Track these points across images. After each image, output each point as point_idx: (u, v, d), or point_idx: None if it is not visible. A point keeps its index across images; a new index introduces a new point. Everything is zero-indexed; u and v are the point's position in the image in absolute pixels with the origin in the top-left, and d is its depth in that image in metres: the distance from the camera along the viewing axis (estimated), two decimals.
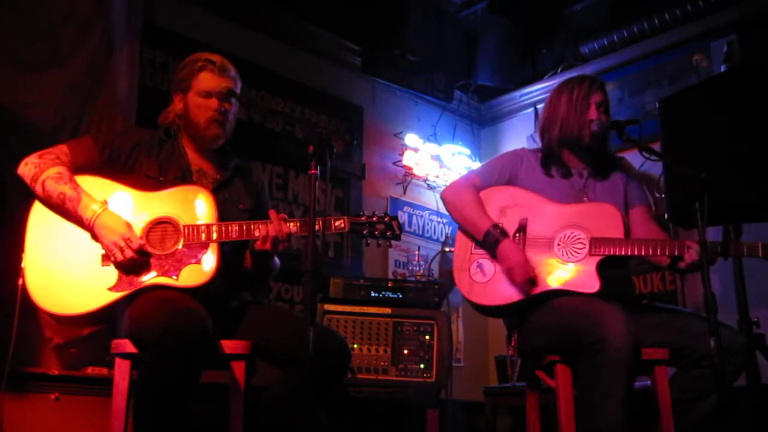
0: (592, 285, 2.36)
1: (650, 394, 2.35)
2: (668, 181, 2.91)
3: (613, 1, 4.91)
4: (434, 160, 5.09)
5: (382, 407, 3.37)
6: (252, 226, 2.31)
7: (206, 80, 2.43)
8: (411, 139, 4.97)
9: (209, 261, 2.25)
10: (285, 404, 2.24)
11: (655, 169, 3.78)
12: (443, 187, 4.99)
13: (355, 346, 3.28)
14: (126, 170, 2.37)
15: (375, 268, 4.66)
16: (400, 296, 3.42)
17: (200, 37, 3.93)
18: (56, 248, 2.25)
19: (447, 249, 4.68)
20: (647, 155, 2.37)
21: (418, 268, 4.31)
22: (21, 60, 3.17)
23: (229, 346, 2.24)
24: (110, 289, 2.20)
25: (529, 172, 2.65)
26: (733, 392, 2.16)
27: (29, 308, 2.25)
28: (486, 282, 2.51)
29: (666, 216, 2.98)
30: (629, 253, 2.39)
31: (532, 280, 2.42)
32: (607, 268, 2.40)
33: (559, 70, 5.16)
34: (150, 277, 2.22)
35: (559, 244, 2.48)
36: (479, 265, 2.54)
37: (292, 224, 2.32)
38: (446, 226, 5.19)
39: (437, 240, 5.12)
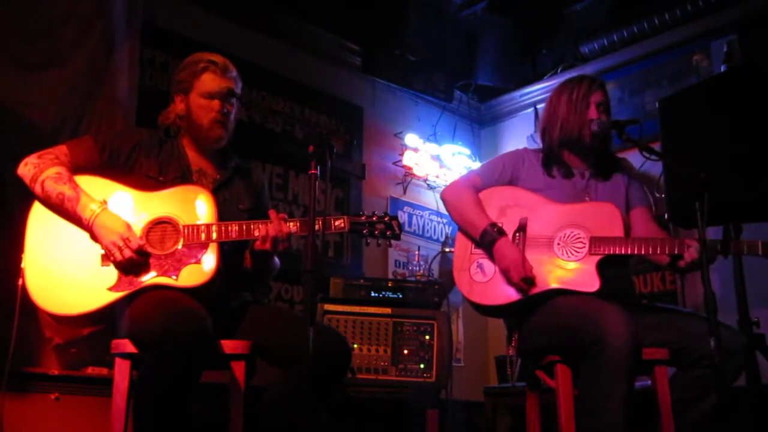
0: (592, 284, 2.36)
1: (650, 394, 2.36)
2: (668, 181, 2.91)
3: (613, 1, 4.91)
4: (434, 160, 5.09)
5: (382, 407, 3.37)
6: (252, 226, 2.31)
7: (208, 81, 2.43)
8: (411, 139, 4.97)
9: (209, 261, 2.25)
10: (285, 404, 2.24)
11: (655, 169, 3.78)
12: (443, 187, 5.01)
13: (355, 346, 3.28)
14: (126, 170, 2.37)
15: (375, 268, 4.66)
16: (400, 296, 3.42)
17: (200, 37, 3.93)
18: (56, 248, 2.25)
19: (447, 249, 4.68)
20: (647, 155, 2.37)
21: (418, 268, 4.31)
22: (21, 60, 3.17)
23: (229, 346, 2.24)
24: (110, 289, 2.20)
25: (530, 173, 2.65)
26: (733, 392, 2.16)
27: (29, 308, 2.25)
28: (486, 282, 2.51)
29: (666, 216, 2.98)
30: (629, 252, 2.39)
31: (529, 279, 2.41)
32: (607, 267, 2.40)
33: (559, 70, 5.16)
34: (150, 277, 2.22)
35: (559, 244, 2.48)
36: (479, 265, 2.54)
37: (291, 224, 2.32)
38: (446, 226, 5.19)
39: (437, 240, 5.12)
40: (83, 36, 3.40)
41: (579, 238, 2.45)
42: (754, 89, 2.73)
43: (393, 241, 2.47)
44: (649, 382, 2.38)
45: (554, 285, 2.42)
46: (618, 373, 2.11)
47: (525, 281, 2.41)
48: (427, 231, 5.11)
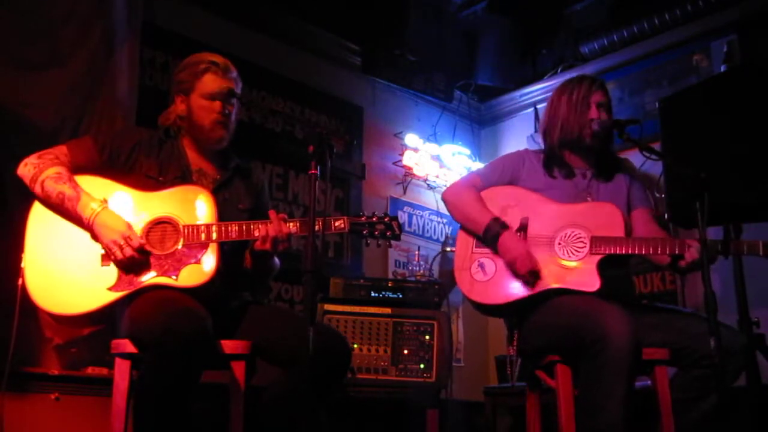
0: (593, 283, 2.36)
1: (650, 394, 2.36)
2: (668, 181, 2.92)
3: (613, 1, 4.91)
4: (434, 160, 5.09)
5: (382, 407, 3.37)
6: (252, 226, 2.31)
7: (210, 82, 2.42)
8: (411, 139, 4.97)
9: (209, 261, 2.25)
10: (285, 404, 2.24)
11: (655, 169, 3.78)
12: (443, 187, 5.01)
13: (355, 346, 3.28)
14: (126, 170, 2.37)
15: (375, 268, 4.66)
16: (400, 296, 3.42)
17: (200, 37, 3.93)
18: (56, 248, 2.25)
19: (448, 248, 4.68)
20: (647, 155, 2.37)
21: (418, 268, 4.31)
22: (21, 60, 3.17)
23: (229, 346, 2.24)
24: (110, 289, 2.20)
25: (531, 173, 2.65)
26: (733, 392, 2.16)
27: (29, 308, 2.25)
28: (487, 281, 2.51)
29: (666, 216, 2.98)
30: (630, 251, 2.39)
31: (535, 273, 2.42)
32: (607, 267, 2.40)
33: (559, 70, 5.16)
34: (150, 277, 2.22)
35: (559, 243, 2.48)
36: (480, 265, 2.54)
37: (291, 224, 2.32)
38: (446, 226, 5.19)
39: (437, 240, 5.12)
40: (83, 36, 3.40)
41: (580, 237, 2.46)
42: (754, 89, 2.73)
43: (393, 242, 2.46)
44: (649, 382, 2.38)
45: (555, 284, 2.42)
46: (618, 372, 2.11)
47: (531, 274, 2.41)
48: (427, 231, 5.11)
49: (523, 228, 2.52)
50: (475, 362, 5.07)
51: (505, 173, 2.67)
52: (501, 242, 2.48)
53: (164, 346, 1.98)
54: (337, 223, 2.36)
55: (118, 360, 2.20)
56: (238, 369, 2.24)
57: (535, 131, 5.20)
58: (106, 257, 2.23)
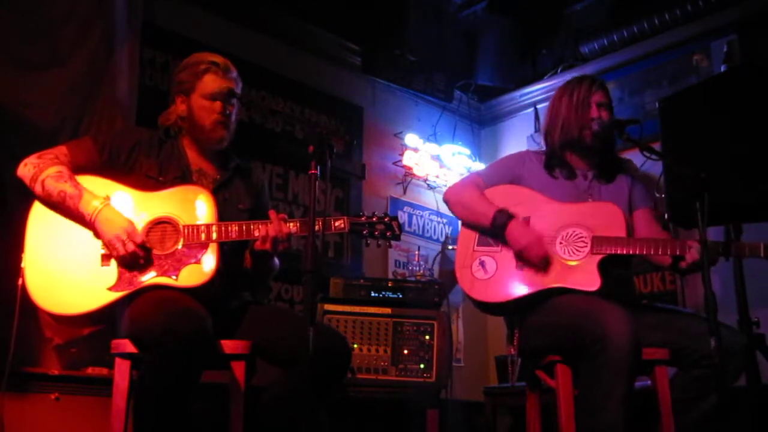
0: (593, 283, 2.36)
1: (650, 394, 2.36)
2: (668, 181, 2.91)
3: (613, 1, 4.91)
4: (434, 160, 5.09)
5: (382, 407, 3.37)
6: (252, 226, 2.31)
7: (210, 83, 2.43)
8: (411, 139, 4.97)
9: (209, 261, 2.25)
10: (285, 404, 2.24)
11: (655, 169, 3.78)
12: (443, 187, 5.02)
13: (355, 346, 3.28)
14: (126, 170, 2.37)
15: (375, 268, 4.66)
16: (400, 296, 3.42)
17: (200, 37, 3.93)
18: (56, 248, 2.25)
19: (450, 247, 4.67)
20: (647, 155, 2.37)
21: (418, 268, 4.31)
22: (21, 60, 3.17)
23: (229, 346, 2.24)
24: (110, 289, 2.20)
25: (532, 173, 2.65)
26: (733, 392, 2.16)
27: (29, 308, 2.25)
28: (487, 279, 2.52)
29: (666, 216, 2.98)
30: (631, 252, 2.40)
31: (547, 259, 2.42)
32: (609, 267, 2.40)
33: (559, 70, 5.16)
34: (150, 277, 2.22)
35: (561, 243, 2.48)
36: (481, 263, 2.55)
37: (291, 224, 2.32)
38: (446, 226, 5.19)
39: (437, 240, 5.12)
40: (83, 36, 3.40)
41: (581, 237, 2.46)
42: (754, 89, 2.73)
43: (393, 242, 2.46)
44: (649, 382, 2.38)
45: (555, 283, 2.42)
46: (618, 372, 2.11)
47: (543, 261, 2.41)
48: (427, 231, 5.11)
49: None
50: (475, 362, 5.07)
51: (507, 173, 2.68)
52: (509, 231, 2.48)
53: (164, 346, 1.98)
54: (337, 223, 2.36)
55: (118, 360, 2.20)
56: (238, 369, 2.24)
57: (535, 131, 5.21)
58: (107, 257, 2.23)
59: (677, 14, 4.50)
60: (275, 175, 4.35)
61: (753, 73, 2.89)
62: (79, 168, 2.32)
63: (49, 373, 2.88)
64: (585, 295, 2.35)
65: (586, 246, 2.43)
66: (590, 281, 2.37)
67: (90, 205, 2.22)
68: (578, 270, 2.41)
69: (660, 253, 2.38)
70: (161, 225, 2.29)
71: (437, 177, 5.10)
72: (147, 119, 2.90)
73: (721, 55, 4.28)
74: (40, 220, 2.28)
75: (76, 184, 2.25)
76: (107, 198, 2.26)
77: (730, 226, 2.63)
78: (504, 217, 2.49)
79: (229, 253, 2.36)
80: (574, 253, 2.45)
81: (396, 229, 2.42)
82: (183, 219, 2.29)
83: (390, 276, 4.70)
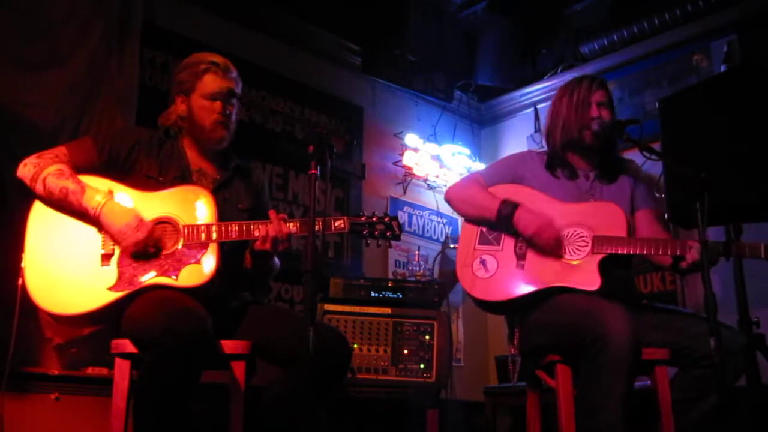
0: (593, 282, 2.36)
1: (650, 394, 2.36)
2: (668, 181, 2.91)
3: (613, 1, 4.91)
4: (434, 160, 5.09)
5: (382, 407, 3.37)
6: (252, 226, 2.31)
7: (210, 83, 2.43)
8: (411, 139, 4.97)
9: (209, 261, 2.25)
10: (285, 404, 2.24)
11: (655, 169, 3.78)
12: (443, 187, 5.02)
13: (355, 346, 3.28)
14: (125, 170, 2.37)
15: (375, 268, 4.66)
16: (400, 296, 3.42)
17: (200, 37, 3.93)
18: (56, 248, 2.25)
19: (452, 245, 4.67)
20: (647, 155, 2.37)
21: (418, 268, 4.31)
22: (21, 60, 3.17)
23: (229, 346, 2.24)
24: (110, 288, 2.20)
25: (534, 173, 2.65)
26: (733, 392, 2.16)
27: (29, 308, 2.25)
28: (488, 278, 2.52)
29: (666, 216, 2.98)
30: (631, 252, 2.40)
31: (560, 242, 2.42)
32: (609, 266, 2.41)
33: (559, 70, 5.17)
34: (149, 277, 2.22)
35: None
36: (482, 261, 2.55)
37: (291, 224, 2.32)
38: (446, 226, 5.20)
39: (437, 240, 5.12)
40: (83, 36, 3.40)
41: (582, 236, 2.46)
42: (754, 89, 2.73)
43: (393, 242, 2.46)
44: (649, 382, 2.38)
45: (556, 282, 2.42)
46: (618, 372, 2.11)
47: (557, 243, 2.42)
48: (427, 231, 5.11)
49: None
50: (475, 362, 5.07)
51: (508, 173, 2.67)
52: (517, 218, 2.47)
53: (164, 346, 1.98)
54: (337, 223, 2.36)
55: (118, 360, 2.20)
56: (238, 369, 2.24)
57: (535, 131, 5.21)
58: (107, 257, 2.23)
59: (677, 14, 4.50)
60: (275, 175, 4.35)
61: (753, 73, 2.89)
62: (78, 168, 2.32)
63: (49, 373, 2.89)
64: (585, 294, 2.35)
65: (587, 245, 2.43)
66: (591, 281, 2.37)
67: (93, 200, 2.22)
68: (579, 269, 2.41)
69: (660, 253, 2.38)
70: (161, 225, 2.29)
71: (437, 177, 5.10)
72: (147, 119, 2.90)
73: (721, 55, 4.28)
74: (40, 219, 2.28)
75: (78, 181, 2.25)
76: (110, 192, 2.26)
77: (730, 226, 2.63)
78: (509, 207, 2.49)
79: (229, 253, 2.36)
80: (575, 252, 2.45)
81: (396, 229, 2.42)
82: (183, 219, 2.29)
83: (390, 276, 4.70)
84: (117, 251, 2.25)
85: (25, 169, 2.27)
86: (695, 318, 2.43)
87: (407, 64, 4.87)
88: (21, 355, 2.58)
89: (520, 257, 2.50)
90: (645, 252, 2.39)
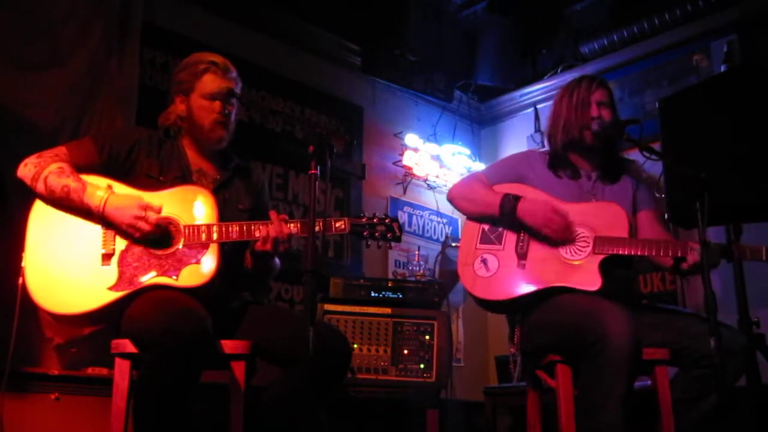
0: (594, 283, 2.36)
1: (650, 394, 2.36)
2: (668, 181, 2.91)
3: (613, 1, 4.91)
4: (434, 160, 5.09)
5: (382, 407, 3.37)
6: (252, 227, 2.31)
7: (210, 82, 2.43)
8: (411, 139, 4.97)
9: (209, 261, 2.25)
10: (285, 404, 2.24)
11: (655, 169, 3.78)
12: (443, 187, 5.03)
13: (355, 346, 3.28)
14: (126, 170, 2.37)
15: (375, 268, 4.66)
16: (400, 296, 3.42)
17: (200, 37, 3.93)
18: (56, 247, 2.25)
19: (453, 244, 4.67)
20: (647, 155, 2.37)
21: (418, 268, 4.31)
22: (21, 60, 3.17)
23: (229, 346, 2.24)
24: (110, 288, 2.20)
25: (537, 173, 2.65)
26: (733, 392, 2.16)
27: (29, 308, 2.25)
28: (489, 277, 2.52)
29: (666, 216, 2.98)
30: (632, 252, 2.40)
31: (569, 228, 2.42)
32: (610, 267, 2.41)
33: (559, 70, 5.17)
34: (150, 277, 2.22)
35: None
36: (483, 260, 2.55)
37: (292, 225, 2.32)
38: (446, 226, 5.20)
39: (437, 240, 5.12)
40: (83, 36, 3.40)
41: (584, 236, 2.46)
42: (754, 89, 2.73)
43: (393, 243, 2.46)
44: (649, 382, 2.38)
45: (556, 282, 2.42)
46: (618, 372, 2.11)
47: (566, 230, 2.41)
48: (427, 231, 5.11)
49: None
50: (475, 362, 5.07)
51: (509, 173, 2.67)
52: (520, 210, 2.47)
53: (164, 346, 1.98)
54: (337, 225, 2.36)
55: (118, 360, 2.20)
56: (238, 369, 2.24)
57: (535, 131, 5.21)
58: (107, 257, 2.23)
59: (677, 14, 4.50)
60: (275, 175, 4.35)
61: (753, 73, 2.89)
62: (78, 168, 2.31)
63: (49, 373, 2.89)
64: (586, 294, 2.35)
65: (588, 246, 2.43)
66: (591, 281, 2.37)
67: (95, 196, 2.22)
68: (580, 269, 2.41)
69: (661, 254, 2.39)
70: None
71: (437, 177, 5.10)
72: (147, 119, 2.89)
73: (721, 55, 4.28)
74: (40, 219, 2.28)
75: (79, 178, 2.25)
76: (110, 186, 2.26)
77: (730, 226, 2.63)
78: (511, 201, 2.49)
79: (229, 253, 2.36)
80: (576, 252, 2.45)
81: (396, 231, 2.42)
82: (184, 219, 2.29)
83: (390, 276, 4.70)
84: (118, 251, 2.25)
85: (26, 169, 2.27)
86: (695, 318, 2.43)
87: (407, 64, 4.87)
88: (21, 355, 2.58)
89: (522, 257, 2.50)
90: (646, 253, 2.39)
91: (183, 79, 2.46)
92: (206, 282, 2.22)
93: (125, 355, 2.19)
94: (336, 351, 2.27)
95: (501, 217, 2.52)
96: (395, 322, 3.35)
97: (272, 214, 2.32)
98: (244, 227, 2.30)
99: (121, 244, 2.26)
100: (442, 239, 5.11)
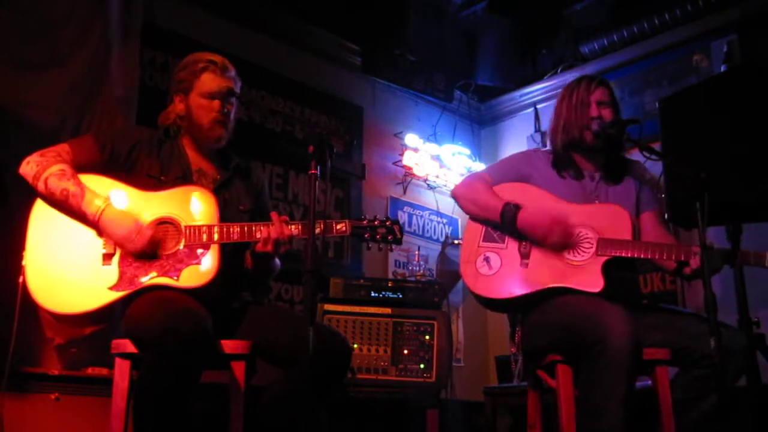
0: (596, 284, 2.36)
1: (651, 394, 2.36)
2: (668, 181, 2.91)
3: (613, 1, 4.91)
4: (434, 160, 5.09)
5: (382, 407, 3.37)
6: (253, 228, 2.30)
7: (208, 81, 2.43)
8: (411, 139, 4.97)
9: (210, 262, 2.25)
10: (285, 404, 2.24)
11: (655, 169, 3.78)
12: (443, 187, 5.03)
13: (355, 346, 3.28)
14: (126, 169, 2.37)
15: (375, 268, 4.66)
16: (400, 296, 3.42)
17: (200, 37, 3.93)
18: (57, 247, 2.25)
19: (455, 241, 4.67)
20: (647, 155, 2.37)
21: (418, 268, 4.31)
22: (21, 60, 3.17)
23: (229, 346, 2.24)
24: (111, 288, 2.20)
25: (540, 172, 2.65)
26: (733, 392, 2.16)
27: (30, 307, 2.25)
28: (491, 275, 2.52)
29: (666, 216, 2.98)
30: (636, 255, 2.40)
31: (571, 235, 2.42)
32: (613, 269, 2.40)
33: (559, 70, 5.17)
34: (150, 277, 2.22)
35: None
36: (486, 258, 2.55)
37: (293, 227, 2.31)
38: (446, 226, 5.20)
39: (437, 240, 5.12)
40: (83, 36, 3.39)
41: (587, 238, 2.46)
42: (754, 89, 2.73)
43: (394, 245, 2.46)
44: (650, 382, 2.38)
45: (558, 283, 2.42)
46: (619, 373, 2.11)
47: (567, 235, 2.42)
48: (427, 231, 5.11)
49: None
50: (475, 362, 5.07)
51: (512, 172, 2.67)
52: (521, 220, 2.47)
53: (164, 346, 1.98)
54: (338, 227, 2.35)
55: (118, 360, 2.20)
56: (238, 369, 2.24)
57: (535, 131, 5.21)
58: (108, 256, 2.23)
59: (677, 14, 4.50)
60: (275, 175, 4.35)
61: (753, 73, 2.89)
62: (80, 167, 2.32)
63: (49, 373, 2.89)
64: (587, 295, 2.35)
65: (591, 247, 2.43)
66: (593, 282, 2.37)
67: (92, 205, 2.22)
68: (582, 270, 2.41)
69: (665, 258, 2.38)
70: (163, 225, 2.29)
71: (437, 177, 5.10)
72: (147, 119, 2.89)
73: (721, 55, 4.28)
74: (41, 218, 2.28)
75: (79, 183, 2.25)
76: (108, 198, 2.26)
77: (730, 226, 2.63)
78: (512, 210, 2.49)
79: (230, 253, 2.36)
80: (579, 253, 2.45)
81: (397, 233, 2.41)
82: (184, 219, 2.29)
83: (390, 276, 4.70)
84: (118, 251, 2.25)
85: (28, 167, 2.27)
86: (696, 318, 2.43)
87: (407, 64, 4.87)
88: (21, 354, 2.58)
89: (524, 256, 2.50)
90: (649, 256, 2.39)
91: (182, 78, 2.46)
92: (207, 282, 2.22)
93: (125, 355, 2.19)
94: (336, 351, 2.28)
95: (502, 224, 2.53)
96: (395, 322, 3.35)
97: (273, 216, 2.32)
98: (245, 228, 2.30)
99: None
100: (442, 239, 5.11)
